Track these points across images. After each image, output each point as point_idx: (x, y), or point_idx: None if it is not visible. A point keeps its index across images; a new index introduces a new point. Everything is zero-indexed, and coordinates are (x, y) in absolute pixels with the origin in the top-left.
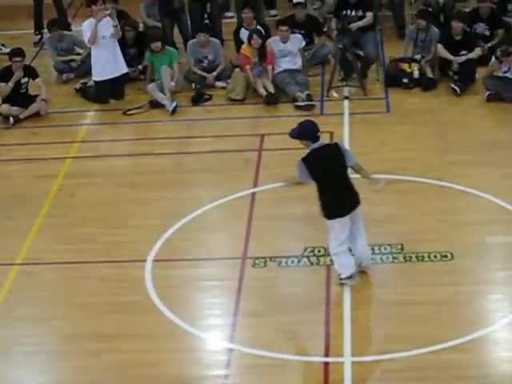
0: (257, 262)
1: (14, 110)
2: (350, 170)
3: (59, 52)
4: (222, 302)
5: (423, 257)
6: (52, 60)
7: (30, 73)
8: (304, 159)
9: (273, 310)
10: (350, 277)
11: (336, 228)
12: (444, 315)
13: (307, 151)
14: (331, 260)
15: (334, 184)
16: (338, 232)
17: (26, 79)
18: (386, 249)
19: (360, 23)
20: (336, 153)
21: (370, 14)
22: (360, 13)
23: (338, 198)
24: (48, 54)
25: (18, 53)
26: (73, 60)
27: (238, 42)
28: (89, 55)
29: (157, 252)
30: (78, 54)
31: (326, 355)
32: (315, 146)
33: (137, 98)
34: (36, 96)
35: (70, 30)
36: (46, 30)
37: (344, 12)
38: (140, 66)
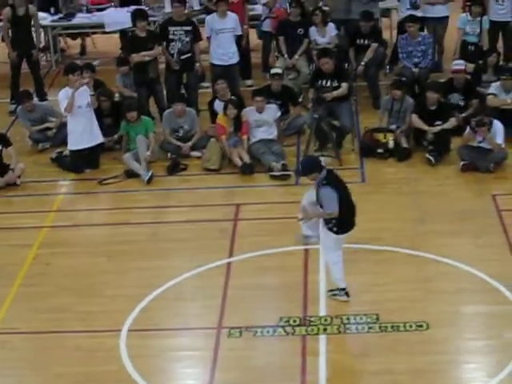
0: (232, 331)
1: None
2: None
3: (32, 123)
4: (197, 372)
5: (398, 326)
6: (27, 130)
7: (4, 141)
8: (330, 185)
9: (248, 380)
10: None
11: (339, 241)
12: None
13: (321, 177)
14: (306, 330)
15: (351, 200)
16: (338, 244)
17: None
18: (361, 319)
19: (335, 93)
20: None
21: (344, 85)
22: (335, 83)
23: (352, 214)
24: (22, 125)
25: None
26: (48, 128)
27: (213, 113)
28: (64, 124)
29: (132, 321)
30: (51, 122)
31: None
32: (324, 171)
33: (112, 167)
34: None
35: (46, 99)
36: None
37: (320, 82)
38: (116, 136)
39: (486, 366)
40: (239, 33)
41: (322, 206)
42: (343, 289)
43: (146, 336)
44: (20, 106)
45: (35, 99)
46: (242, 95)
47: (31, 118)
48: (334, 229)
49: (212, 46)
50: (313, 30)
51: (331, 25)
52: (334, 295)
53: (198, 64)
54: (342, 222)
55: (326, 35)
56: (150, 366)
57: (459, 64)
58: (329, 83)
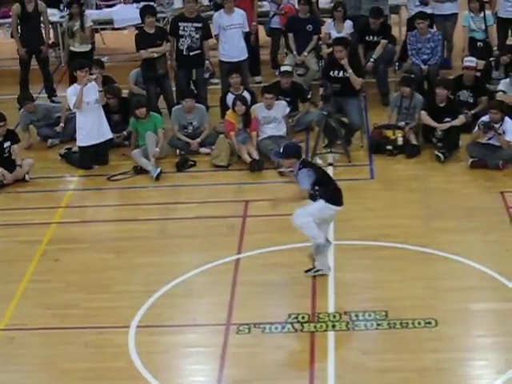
0: (241, 328)
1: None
2: None
3: (35, 123)
4: (206, 369)
5: (407, 323)
6: (21, 131)
7: (13, 138)
8: (307, 166)
9: (257, 377)
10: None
11: (324, 213)
12: (428, 382)
13: (298, 162)
14: (315, 326)
15: (333, 180)
16: (321, 215)
17: (7, 144)
18: (370, 315)
19: (350, 71)
20: None
21: (359, 80)
22: (347, 74)
23: (339, 190)
24: (21, 128)
25: None
26: (57, 124)
27: (225, 108)
28: (71, 119)
29: (141, 318)
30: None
31: None
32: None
33: (121, 163)
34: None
35: (55, 96)
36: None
37: (332, 73)
38: (125, 132)
39: (495, 363)
40: (246, 29)
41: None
42: (319, 244)
43: (155, 332)
44: (22, 108)
45: (40, 96)
46: (254, 90)
47: (34, 119)
48: (325, 196)
49: (220, 43)
50: (330, 23)
51: (349, 22)
52: (317, 271)
53: (207, 61)
54: (332, 192)
55: (342, 31)
56: (158, 363)
57: (470, 61)
58: (341, 74)
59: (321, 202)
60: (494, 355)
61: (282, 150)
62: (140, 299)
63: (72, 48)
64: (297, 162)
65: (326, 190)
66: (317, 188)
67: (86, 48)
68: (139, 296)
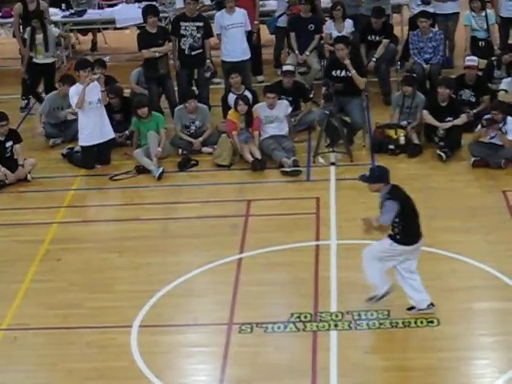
0: (243, 327)
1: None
2: None
3: (52, 110)
4: (208, 368)
5: (410, 323)
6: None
7: (15, 137)
8: (394, 198)
9: (259, 376)
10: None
11: (391, 253)
12: (432, 381)
13: (386, 191)
14: (317, 326)
15: (416, 214)
16: (390, 255)
17: (10, 143)
18: (372, 315)
19: (353, 72)
20: None
21: (363, 80)
22: (349, 74)
23: (418, 226)
24: (41, 109)
25: (1, 117)
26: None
27: (226, 108)
28: (74, 120)
29: (143, 317)
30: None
31: None
32: (389, 185)
33: (123, 163)
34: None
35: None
36: (31, 96)
37: (334, 72)
38: (127, 132)
39: (497, 362)
40: (248, 28)
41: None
42: (382, 296)
43: (157, 332)
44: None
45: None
46: (255, 90)
47: (55, 105)
48: (397, 237)
49: (222, 43)
50: (330, 23)
51: (349, 21)
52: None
53: (208, 60)
54: (408, 231)
55: (342, 31)
56: (160, 362)
57: (472, 60)
58: (343, 73)
59: (385, 243)
60: (496, 354)
61: (368, 174)
62: (142, 299)
63: (35, 60)
64: (384, 188)
65: (404, 226)
66: (396, 220)
67: (49, 60)
68: (141, 296)
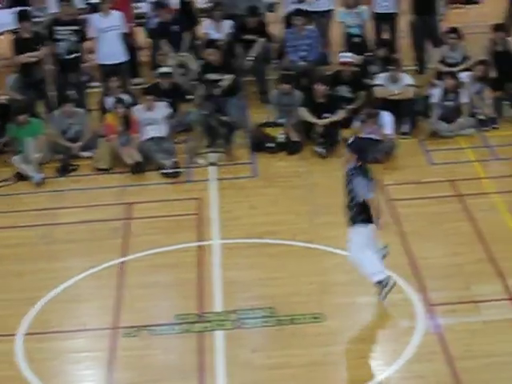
0: (128, 331)
1: None
2: None
3: None
4: (95, 373)
5: (294, 319)
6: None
7: None
8: (362, 174)
9: (147, 379)
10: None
11: (368, 234)
12: (317, 376)
13: (354, 166)
14: (203, 326)
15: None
16: (367, 239)
17: None
18: (257, 313)
19: (221, 84)
20: None
21: (228, 77)
22: (223, 77)
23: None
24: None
25: None
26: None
27: (104, 111)
28: None
29: (28, 325)
30: None
31: None
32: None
33: (1, 170)
34: None
35: None
36: None
37: (208, 75)
38: (2, 140)
39: (383, 355)
40: (125, 30)
41: (350, 193)
42: (380, 281)
43: (43, 339)
44: None
45: None
46: (133, 92)
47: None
48: (363, 216)
49: (99, 46)
50: (208, 23)
51: (228, 22)
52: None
53: (85, 64)
54: (366, 208)
55: (221, 31)
56: (47, 369)
57: (346, 56)
58: (217, 76)
59: (358, 230)
60: (381, 347)
61: (351, 141)
62: (25, 306)
63: None
64: (353, 163)
65: (363, 204)
66: (358, 200)
67: None
68: (25, 303)
